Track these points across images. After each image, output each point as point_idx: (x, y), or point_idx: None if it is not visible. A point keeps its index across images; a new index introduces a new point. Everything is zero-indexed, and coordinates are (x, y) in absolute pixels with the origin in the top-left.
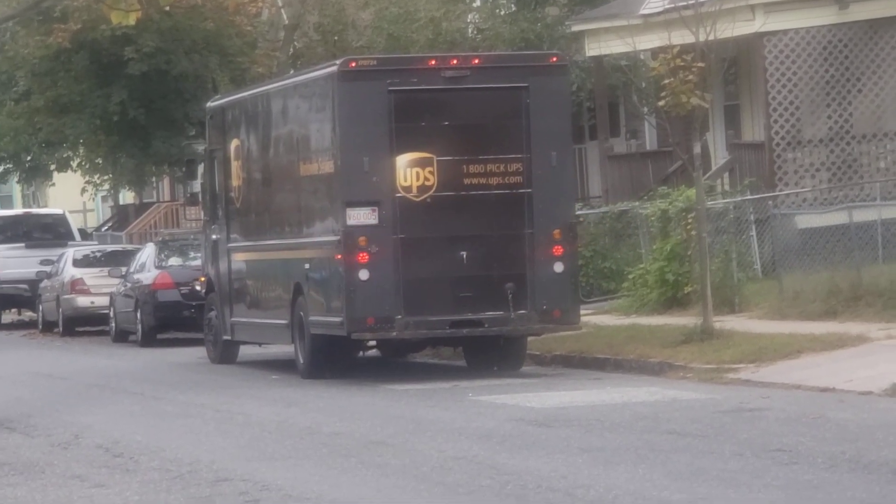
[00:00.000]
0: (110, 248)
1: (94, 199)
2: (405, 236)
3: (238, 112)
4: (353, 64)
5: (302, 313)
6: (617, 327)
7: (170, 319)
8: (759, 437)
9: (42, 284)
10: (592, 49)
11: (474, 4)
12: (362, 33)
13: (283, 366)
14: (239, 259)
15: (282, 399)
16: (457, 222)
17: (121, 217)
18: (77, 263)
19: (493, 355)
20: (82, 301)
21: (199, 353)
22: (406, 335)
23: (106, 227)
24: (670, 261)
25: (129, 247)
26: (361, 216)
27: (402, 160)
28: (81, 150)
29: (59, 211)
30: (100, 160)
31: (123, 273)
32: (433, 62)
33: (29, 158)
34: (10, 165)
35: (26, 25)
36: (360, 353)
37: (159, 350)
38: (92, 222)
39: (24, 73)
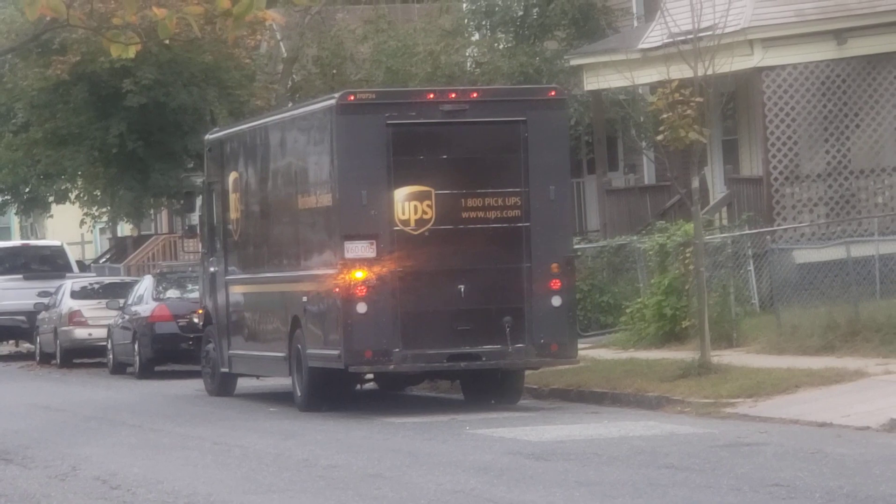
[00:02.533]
0: (108, 279)
1: (92, 230)
2: (403, 269)
3: (237, 144)
4: (352, 97)
5: (300, 346)
6: (615, 361)
7: (167, 351)
8: (757, 472)
9: (40, 316)
10: (591, 83)
11: (473, 38)
12: (361, 66)
13: (281, 398)
14: (237, 291)
15: (279, 431)
16: (455, 256)
17: (119, 249)
18: (75, 295)
19: (490, 389)
20: (80, 333)
21: (197, 385)
22: (403, 368)
23: (104, 259)
24: (668, 295)
25: (127, 279)
26: (360, 249)
27: (401, 193)
28: (80, 182)
29: (57, 243)
30: (98, 192)
31: (121, 305)
32: (432, 96)
33: (27, 190)
34: (9, 197)
35: (25, 57)
36: (358, 386)
37: (157, 382)
38: (90, 254)
39: (22, 105)
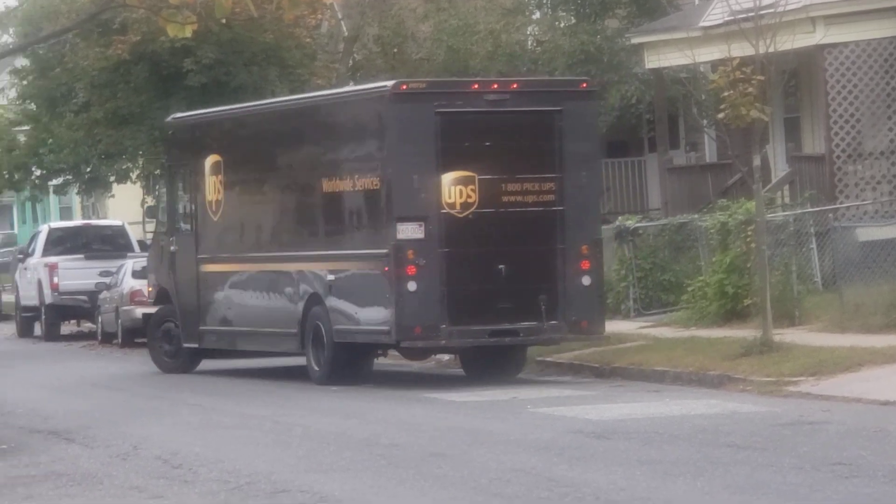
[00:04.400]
0: None
1: None
2: (449, 250)
3: (220, 129)
4: (405, 86)
5: (319, 322)
6: (676, 339)
7: None
8: (819, 451)
9: (101, 296)
10: (652, 61)
11: (534, 17)
12: (422, 45)
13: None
14: (216, 270)
15: (340, 410)
16: (495, 237)
17: None
18: (136, 275)
19: (490, 364)
20: (141, 312)
21: (257, 363)
22: (452, 343)
23: None
24: (730, 273)
25: None
26: (410, 230)
27: (448, 178)
28: (141, 162)
29: (118, 222)
30: (159, 171)
31: None
32: (476, 86)
33: (88, 170)
34: (70, 177)
35: (86, 38)
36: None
37: (217, 361)
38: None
39: (83, 85)
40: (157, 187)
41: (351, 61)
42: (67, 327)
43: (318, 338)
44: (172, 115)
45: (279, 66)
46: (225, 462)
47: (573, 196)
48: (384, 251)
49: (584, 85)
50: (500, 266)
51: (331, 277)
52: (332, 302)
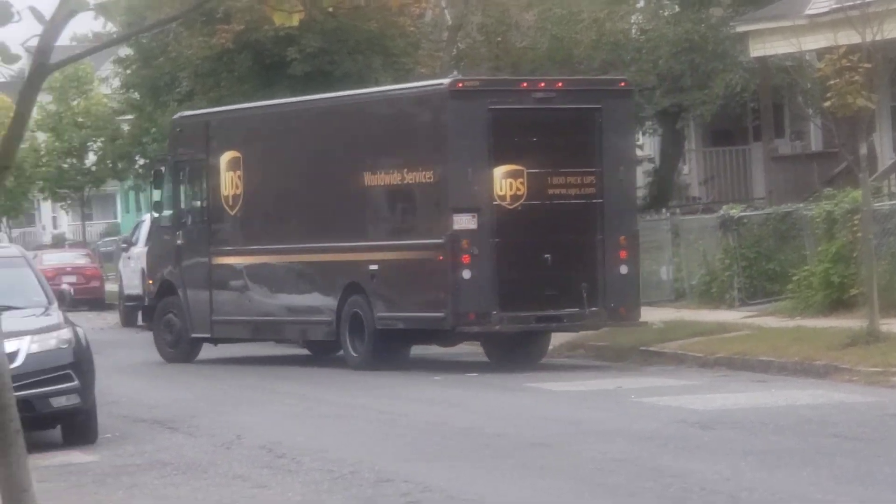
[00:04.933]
0: None
1: None
2: (500, 240)
3: (240, 126)
4: (461, 84)
5: (359, 310)
6: (781, 329)
7: None
8: None
9: None
10: (757, 50)
11: (638, 5)
12: (525, 34)
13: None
14: (233, 262)
15: (444, 400)
16: (542, 228)
17: None
18: None
19: (513, 350)
20: None
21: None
22: (504, 329)
23: None
24: (836, 263)
25: None
26: (464, 221)
27: (499, 172)
28: None
29: None
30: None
31: None
32: (525, 85)
33: None
34: None
35: (189, 27)
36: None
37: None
38: None
39: (187, 74)
40: (161, 183)
41: (454, 50)
42: None
43: (356, 325)
44: (179, 114)
45: (383, 54)
46: (328, 451)
47: (612, 189)
48: (440, 241)
49: (623, 84)
50: (546, 255)
51: (374, 267)
52: (375, 291)
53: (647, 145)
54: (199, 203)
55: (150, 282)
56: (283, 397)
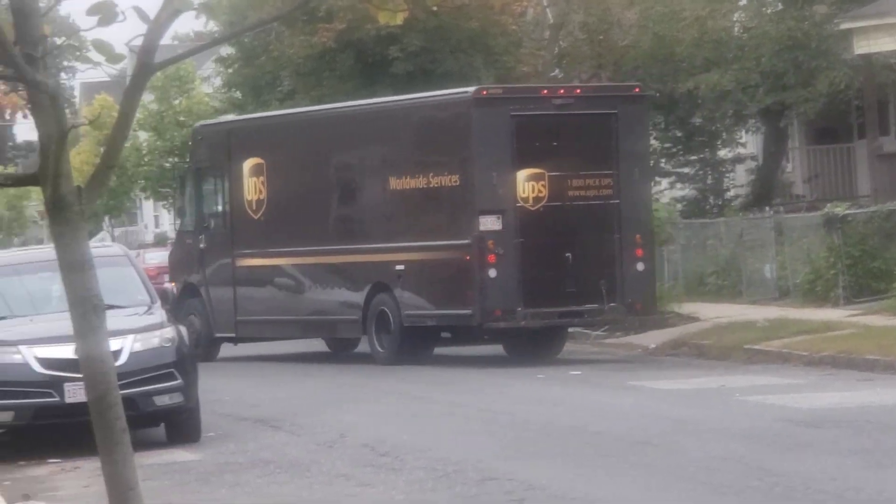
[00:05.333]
0: None
1: None
2: (523, 240)
3: (265, 134)
4: (485, 92)
5: (386, 308)
6: (887, 328)
7: None
8: None
9: None
10: (861, 47)
11: (740, 3)
12: (627, 32)
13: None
14: (257, 264)
15: (546, 399)
16: (563, 228)
17: None
18: None
19: (530, 346)
20: None
21: (464, 351)
22: (528, 324)
23: None
24: None
25: None
26: (490, 223)
27: (522, 175)
28: None
29: None
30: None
31: None
32: (545, 92)
33: None
34: None
35: (291, 25)
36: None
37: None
38: None
39: (288, 73)
40: (182, 188)
41: (556, 49)
42: None
43: (383, 323)
44: (200, 123)
45: (484, 53)
46: (432, 450)
47: (628, 190)
48: (466, 241)
49: (637, 90)
50: (567, 254)
51: (400, 267)
52: (402, 290)
53: (750, 143)
54: (221, 208)
55: (174, 284)
56: (385, 395)
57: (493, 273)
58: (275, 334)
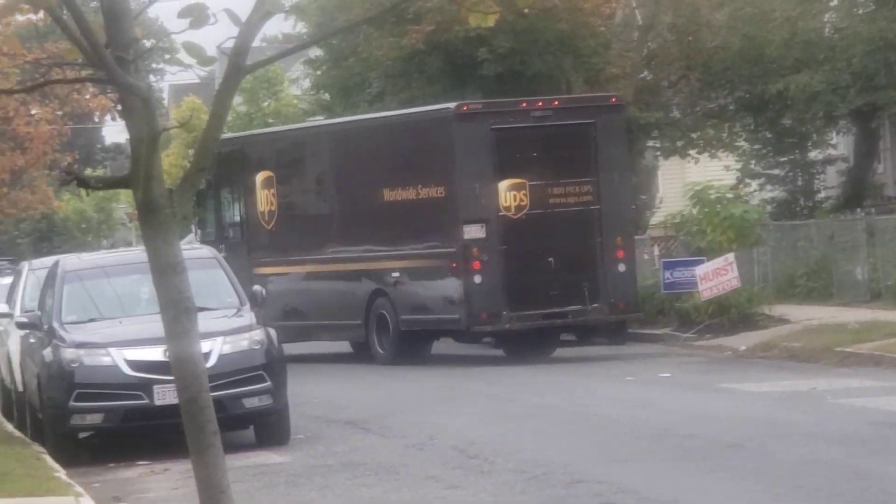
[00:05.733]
0: None
1: None
2: (506, 247)
3: (274, 148)
4: (465, 108)
5: (385, 312)
6: None
7: None
8: None
9: None
10: None
11: (831, 3)
12: (716, 33)
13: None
14: (271, 272)
15: (635, 400)
16: (545, 234)
17: None
18: None
19: (525, 346)
20: None
21: (561, 353)
22: (513, 326)
23: None
24: None
25: None
26: (474, 231)
27: (503, 185)
28: None
29: None
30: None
31: None
32: (524, 105)
33: None
34: None
35: (379, 27)
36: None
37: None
38: None
39: (377, 75)
40: (203, 201)
41: (645, 50)
42: None
43: (383, 326)
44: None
45: (573, 55)
46: (521, 452)
47: (608, 196)
48: (452, 249)
49: (614, 100)
50: (550, 259)
51: (396, 274)
52: (398, 295)
53: (841, 144)
54: (238, 218)
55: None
56: (474, 397)
57: (478, 279)
58: (287, 338)
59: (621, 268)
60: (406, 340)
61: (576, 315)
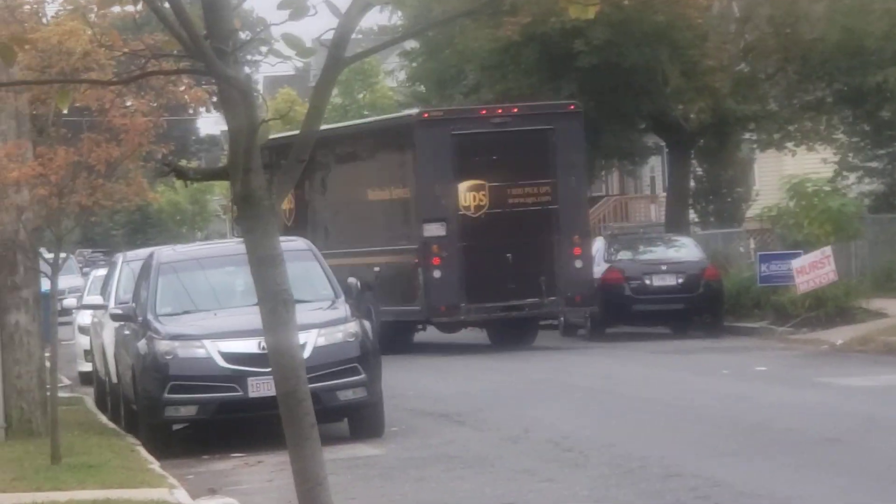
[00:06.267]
0: None
1: None
2: (466, 244)
3: (279, 150)
4: (426, 115)
5: (370, 306)
6: None
7: (619, 313)
8: None
9: None
10: None
11: None
12: (815, 26)
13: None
14: None
15: (733, 394)
16: (504, 232)
17: None
18: None
19: (509, 335)
20: None
21: (650, 347)
22: (469, 318)
23: None
24: None
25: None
26: (434, 229)
27: (463, 186)
28: None
29: None
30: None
31: None
32: (484, 112)
33: None
34: None
35: (475, 19)
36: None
37: (608, 344)
38: None
39: (473, 67)
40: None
41: (742, 42)
42: None
43: (370, 318)
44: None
45: (670, 46)
46: (616, 445)
47: (565, 196)
48: (414, 246)
49: (572, 107)
50: (508, 255)
51: (377, 269)
52: (379, 289)
53: None
54: None
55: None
56: (568, 390)
57: (437, 274)
58: None
59: (578, 264)
60: (387, 331)
61: (532, 307)
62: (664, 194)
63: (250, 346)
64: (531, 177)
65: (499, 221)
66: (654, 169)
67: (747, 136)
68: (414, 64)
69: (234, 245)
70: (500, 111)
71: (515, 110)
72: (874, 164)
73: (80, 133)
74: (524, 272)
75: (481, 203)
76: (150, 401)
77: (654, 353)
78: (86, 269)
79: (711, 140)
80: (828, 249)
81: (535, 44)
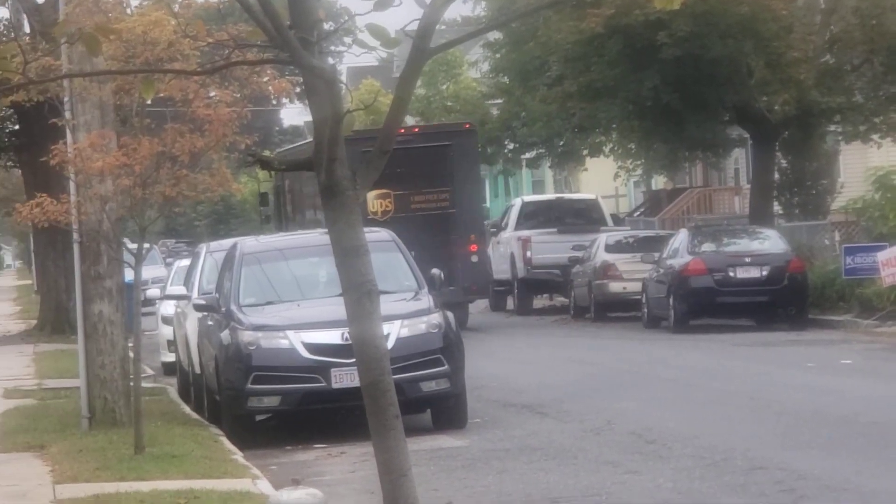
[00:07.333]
0: (643, 233)
1: (626, 184)
2: None
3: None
4: None
5: None
6: None
7: (703, 305)
8: None
9: (574, 270)
10: None
11: None
12: None
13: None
14: None
15: (817, 387)
16: (408, 233)
17: (653, 202)
18: (609, 249)
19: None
20: (614, 287)
21: (734, 339)
22: None
23: (638, 213)
24: None
25: (662, 232)
26: None
27: (371, 195)
28: (614, 136)
29: (591, 196)
30: (632, 145)
31: (656, 259)
32: None
33: (561, 143)
34: (543, 150)
35: (559, 11)
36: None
37: (692, 336)
38: (624, 207)
39: (556, 59)
40: (267, 201)
41: (828, 34)
42: (539, 301)
43: None
44: (277, 150)
45: (754, 38)
46: (700, 438)
47: (461, 202)
48: None
49: (467, 126)
50: (412, 252)
51: None
52: None
53: None
54: (287, 216)
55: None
56: (651, 382)
57: None
58: None
59: (474, 259)
60: None
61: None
62: (748, 186)
63: (334, 336)
64: (432, 185)
65: (404, 224)
66: (738, 161)
67: (832, 128)
68: (497, 55)
69: (317, 236)
70: (402, 130)
71: (416, 129)
72: None
73: (164, 123)
74: (428, 267)
75: (387, 208)
76: (234, 391)
77: (738, 346)
78: (169, 260)
79: (796, 132)
80: None
81: (619, 36)
